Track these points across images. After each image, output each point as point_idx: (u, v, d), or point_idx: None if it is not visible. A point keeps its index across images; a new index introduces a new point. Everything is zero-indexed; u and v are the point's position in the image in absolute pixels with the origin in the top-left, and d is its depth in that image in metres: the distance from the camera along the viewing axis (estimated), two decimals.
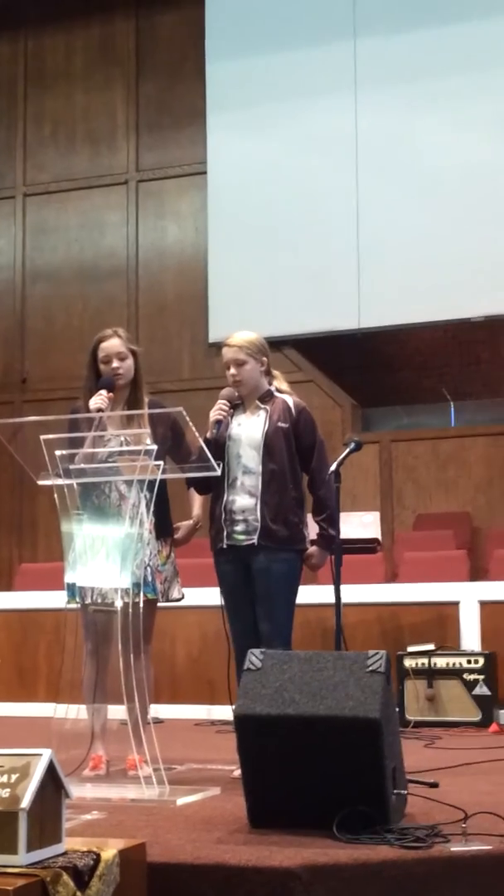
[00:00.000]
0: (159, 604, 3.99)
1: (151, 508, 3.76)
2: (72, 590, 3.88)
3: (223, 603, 4.03)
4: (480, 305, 8.67)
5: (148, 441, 3.70)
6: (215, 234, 9.39)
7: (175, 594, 4.05)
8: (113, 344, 4.04)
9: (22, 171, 10.14)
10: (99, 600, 3.82)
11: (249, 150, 9.35)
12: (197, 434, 3.75)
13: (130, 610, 3.59)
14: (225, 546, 3.98)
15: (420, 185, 8.83)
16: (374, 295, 8.82)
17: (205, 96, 9.56)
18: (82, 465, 3.74)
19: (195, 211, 9.61)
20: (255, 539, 3.94)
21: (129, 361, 4.05)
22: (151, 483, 3.68)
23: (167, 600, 4.01)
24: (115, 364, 4.01)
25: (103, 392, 3.91)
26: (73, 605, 3.87)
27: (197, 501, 4.18)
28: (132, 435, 3.85)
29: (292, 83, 9.24)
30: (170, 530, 4.07)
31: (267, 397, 4.07)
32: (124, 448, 3.85)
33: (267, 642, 3.83)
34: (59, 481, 3.70)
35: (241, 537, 3.96)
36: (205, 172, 9.52)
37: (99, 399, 3.88)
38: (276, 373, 4.20)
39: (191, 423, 3.74)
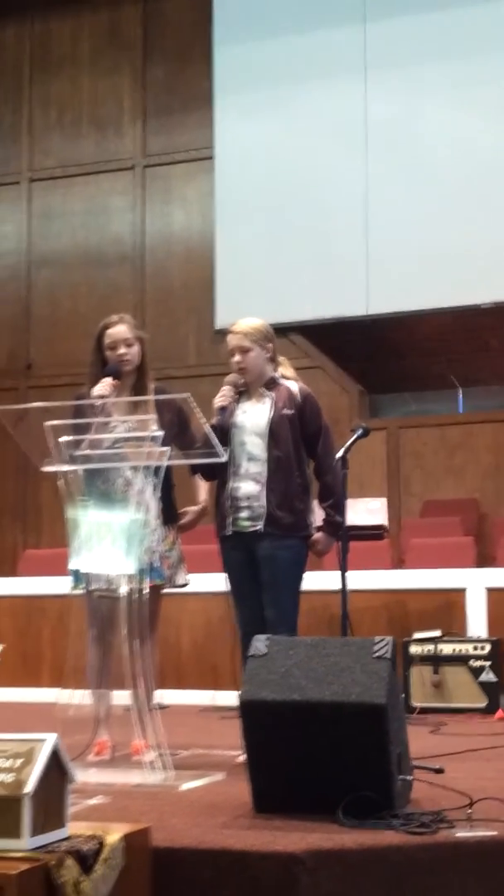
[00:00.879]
0: (164, 590, 3.99)
1: (157, 494, 3.75)
2: (76, 576, 3.88)
3: (229, 589, 4.02)
4: (489, 292, 8.63)
5: (154, 427, 3.69)
6: (222, 220, 9.36)
7: (180, 580, 4.05)
8: (119, 330, 4.02)
9: (28, 156, 10.11)
10: (104, 586, 3.82)
11: (257, 134, 9.30)
12: (204, 420, 3.73)
13: (136, 596, 3.58)
14: (230, 533, 3.98)
15: (429, 170, 8.79)
16: (383, 281, 8.78)
17: (212, 81, 9.51)
18: (88, 452, 3.73)
19: (202, 196, 9.57)
20: (260, 526, 3.93)
21: (136, 348, 4.03)
22: (157, 469, 3.67)
23: (173, 586, 4.01)
24: (122, 350, 4.00)
25: (107, 379, 3.90)
26: (78, 591, 3.86)
27: (203, 487, 4.18)
28: (138, 421, 3.84)
29: (300, 67, 9.19)
30: (176, 516, 4.07)
31: (272, 384, 4.06)
32: (131, 434, 3.83)
33: (272, 628, 3.82)
34: (64, 467, 3.69)
35: (247, 524, 3.95)
36: (212, 157, 9.49)
37: (102, 386, 3.87)
38: (281, 359, 4.19)
39: (197, 410, 3.72)
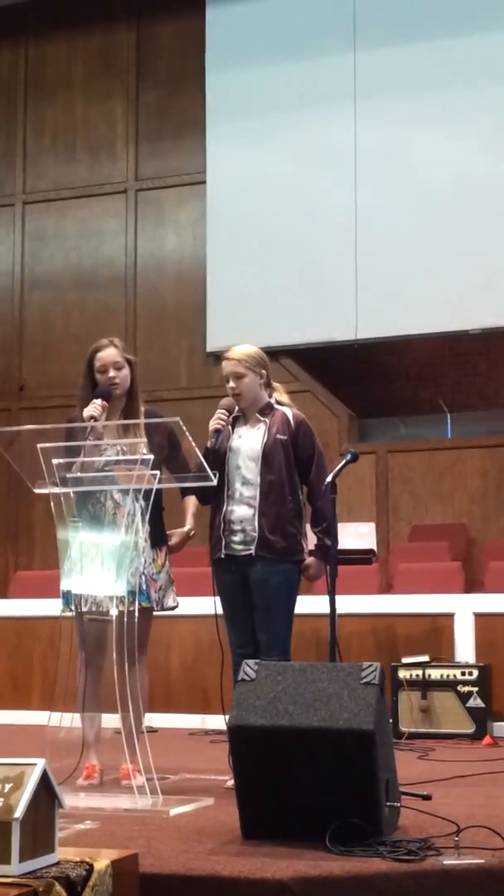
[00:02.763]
0: (154, 612, 3.99)
1: (146, 517, 3.77)
2: (67, 598, 3.89)
3: (222, 612, 4.04)
4: (478, 317, 8.68)
5: (144, 450, 3.71)
6: (214, 244, 9.42)
7: (170, 602, 4.06)
8: (109, 353, 4.05)
9: (22, 179, 10.16)
10: (94, 608, 3.83)
11: (248, 160, 9.37)
12: (194, 444, 3.76)
13: (126, 619, 3.59)
14: (223, 556, 4.00)
15: (418, 196, 8.86)
16: (372, 306, 8.84)
17: (204, 107, 9.58)
18: (79, 474, 3.75)
19: (194, 220, 9.63)
20: (252, 550, 3.96)
21: (126, 371, 4.06)
22: (147, 492, 3.69)
23: (162, 609, 4.02)
24: (112, 374, 4.02)
25: (97, 401, 3.93)
26: (69, 613, 3.87)
27: (191, 510, 4.18)
28: (128, 444, 3.86)
29: (292, 94, 9.27)
30: (164, 539, 4.08)
31: (267, 410, 4.10)
32: (121, 457, 3.85)
33: (265, 652, 3.86)
34: (56, 489, 3.71)
35: (239, 547, 3.98)
36: (204, 182, 9.55)
37: (92, 407, 3.90)
38: (276, 385, 4.23)
39: (187, 433, 3.74)
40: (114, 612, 3.64)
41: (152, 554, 3.97)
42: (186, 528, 4.15)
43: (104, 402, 3.94)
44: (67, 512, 3.77)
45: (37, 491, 3.77)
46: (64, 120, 10.11)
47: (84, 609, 3.85)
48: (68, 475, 3.72)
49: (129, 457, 3.78)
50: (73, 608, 3.87)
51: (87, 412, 3.90)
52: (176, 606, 4.09)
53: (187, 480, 3.93)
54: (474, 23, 8.90)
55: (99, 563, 3.76)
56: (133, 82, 9.96)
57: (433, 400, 9.50)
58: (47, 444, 3.70)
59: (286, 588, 4.01)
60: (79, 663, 3.90)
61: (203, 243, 9.49)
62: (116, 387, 4.02)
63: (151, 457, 3.65)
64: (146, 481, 3.65)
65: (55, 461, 3.69)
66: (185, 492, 4.12)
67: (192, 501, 4.15)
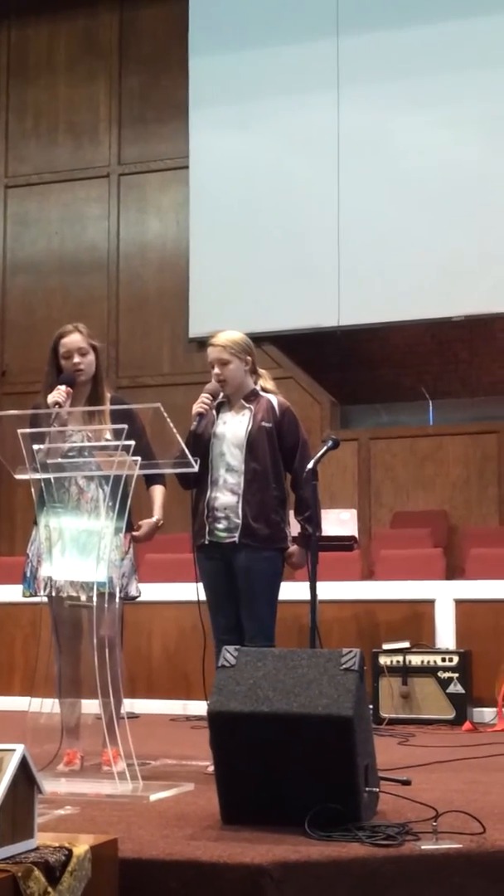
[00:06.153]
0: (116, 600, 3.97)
1: (110, 503, 3.73)
2: (27, 582, 3.89)
3: (205, 598, 4.03)
4: (460, 305, 8.70)
5: (109, 436, 3.71)
6: (197, 229, 9.39)
7: (132, 591, 3.99)
8: (73, 339, 4.03)
9: (3, 162, 10.09)
10: (53, 594, 3.79)
11: (232, 145, 9.34)
12: (175, 431, 3.74)
13: (106, 604, 3.59)
14: (207, 542, 4.00)
15: (402, 183, 8.85)
16: (355, 293, 8.83)
17: (188, 91, 9.54)
18: (59, 460, 3.74)
19: (177, 205, 9.60)
20: (236, 537, 3.95)
21: (91, 357, 4.04)
22: (114, 478, 3.66)
23: (125, 597, 3.96)
24: (77, 360, 4.00)
25: (61, 387, 3.91)
26: (34, 598, 3.88)
27: (158, 500, 4.12)
28: (93, 430, 3.85)
29: (275, 79, 9.24)
30: (130, 526, 4.05)
31: (252, 396, 4.09)
32: (104, 443, 3.83)
33: (251, 640, 3.86)
34: (36, 475, 3.69)
35: (223, 535, 3.98)
36: (187, 167, 9.51)
37: (56, 393, 3.88)
38: (262, 372, 4.22)
39: (168, 420, 3.72)
40: (72, 594, 3.65)
41: (116, 540, 3.94)
42: (155, 518, 4.09)
43: (68, 389, 3.92)
44: (48, 497, 3.76)
45: (17, 477, 3.75)
46: (46, 103, 10.04)
47: (42, 593, 3.82)
48: (49, 461, 3.71)
49: (112, 443, 3.76)
50: (31, 592, 3.87)
51: (51, 398, 3.88)
52: (138, 596, 4.04)
53: (170, 467, 3.91)
54: (459, 8, 8.89)
55: (60, 549, 3.76)
56: (116, 66, 9.89)
57: (415, 387, 9.52)
58: (28, 430, 3.69)
59: (270, 576, 4.01)
60: (53, 649, 3.89)
61: (186, 228, 9.46)
62: (81, 373, 4.01)
63: (132, 443, 3.64)
64: (127, 467, 3.63)
65: (36, 447, 3.67)
66: (149, 482, 4.08)
67: (159, 491, 4.09)
